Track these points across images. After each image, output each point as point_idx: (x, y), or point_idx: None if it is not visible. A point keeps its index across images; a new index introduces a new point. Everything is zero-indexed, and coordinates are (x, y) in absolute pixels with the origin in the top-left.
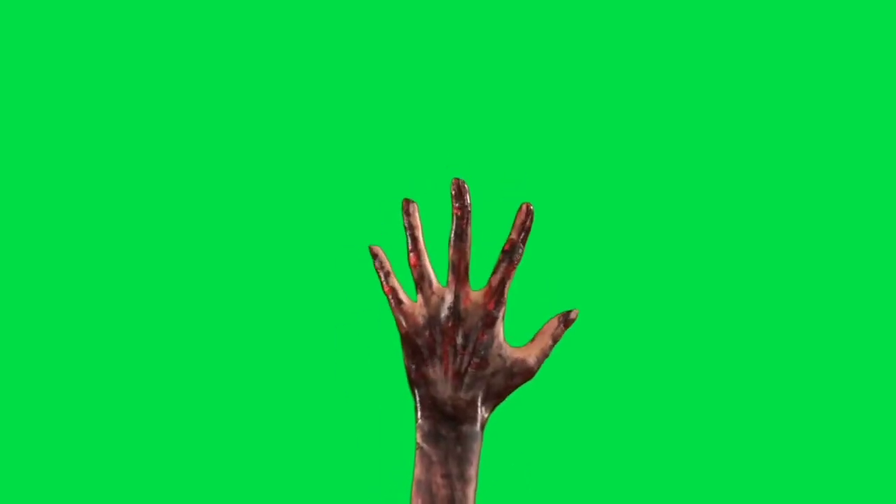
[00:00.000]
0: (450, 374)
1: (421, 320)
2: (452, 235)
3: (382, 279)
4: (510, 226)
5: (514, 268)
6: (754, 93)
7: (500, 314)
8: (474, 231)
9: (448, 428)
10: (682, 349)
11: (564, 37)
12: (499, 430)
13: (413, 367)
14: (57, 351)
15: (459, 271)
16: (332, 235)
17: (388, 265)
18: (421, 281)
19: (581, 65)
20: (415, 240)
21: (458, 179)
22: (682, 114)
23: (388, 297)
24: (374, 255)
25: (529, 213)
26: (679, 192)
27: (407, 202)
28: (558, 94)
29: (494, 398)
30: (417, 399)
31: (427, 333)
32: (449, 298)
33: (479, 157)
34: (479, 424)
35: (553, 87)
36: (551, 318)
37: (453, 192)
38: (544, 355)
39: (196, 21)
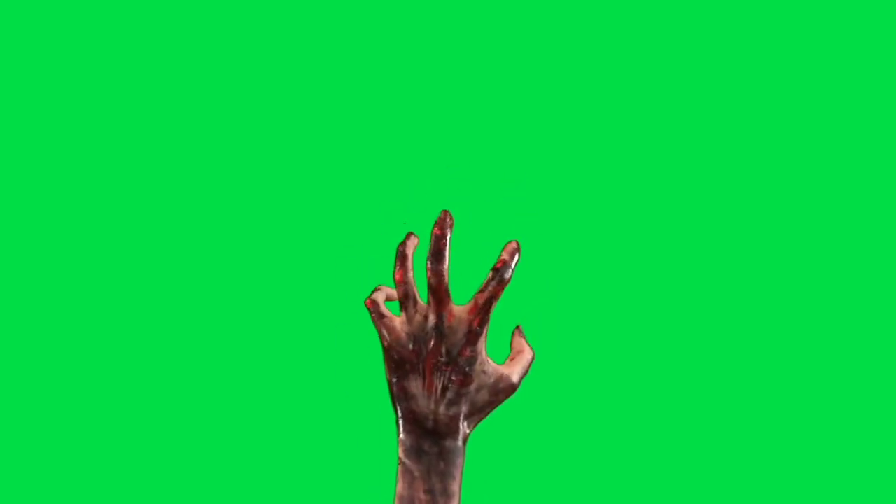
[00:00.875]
0: (432, 389)
1: (404, 336)
2: (430, 256)
3: (372, 293)
4: (498, 242)
5: (503, 287)
6: (740, 110)
7: (484, 331)
8: (464, 243)
9: (430, 443)
10: (664, 365)
11: (556, 52)
12: (480, 445)
13: (395, 381)
14: (46, 349)
15: (439, 294)
16: (317, 247)
17: (384, 286)
18: (405, 300)
19: (572, 85)
20: (404, 257)
21: (446, 211)
22: (669, 135)
23: (369, 311)
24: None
25: (518, 248)
26: (666, 211)
27: (409, 235)
28: (553, 109)
29: (478, 413)
30: (399, 414)
31: (410, 349)
32: (432, 319)
33: (473, 167)
34: (461, 440)
35: (548, 103)
36: (515, 337)
37: (439, 218)
38: (525, 371)
39: (206, 35)
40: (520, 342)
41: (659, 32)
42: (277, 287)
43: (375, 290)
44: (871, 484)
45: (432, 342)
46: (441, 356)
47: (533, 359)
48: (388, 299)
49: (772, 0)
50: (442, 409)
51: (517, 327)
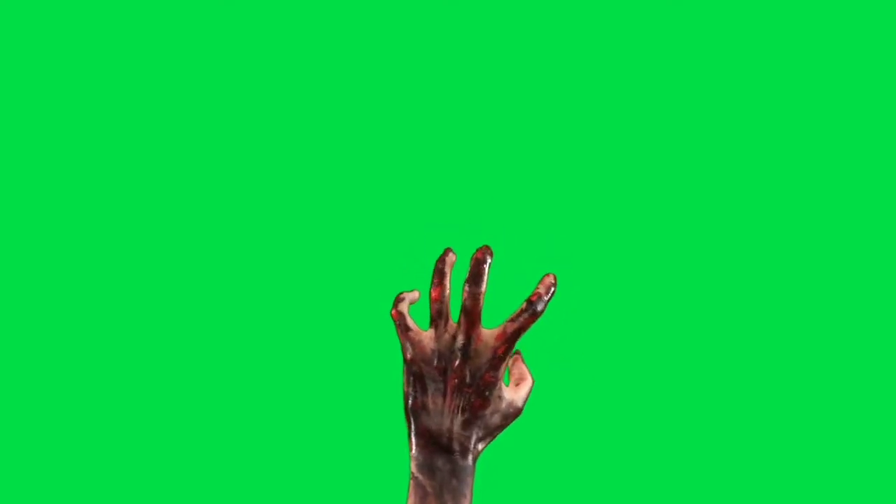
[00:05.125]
0: (451, 408)
1: (429, 351)
2: (469, 278)
3: (396, 303)
4: (531, 271)
5: (535, 320)
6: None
7: (507, 358)
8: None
9: (444, 460)
10: (670, 382)
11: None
12: (490, 463)
13: (412, 394)
14: (60, 351)
15: (472, 316)
16: (339, 255)
17: (404, 294)
18: (438, 317)
19: (586, 93)
20: (442, 275)
21: (487, 246)
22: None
23: (395, 322)
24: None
25: (555, 282)
26: (680, 221)
27: (447, 251)
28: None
29: (489, 436)
30: (413, 428)
31: (434, 365)
32: (461, 339)
33: (494, 181)
34: (472, 458)
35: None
36: (516, 363)
37: (481, 247)
38: (528, 396)
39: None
40: (520, 368)
41: (665, 34)
42: (293, 296)
43: (398, 299)
44: (872, 484)
45: (457, 362)
46: (464, 377)
47: (532, 385)
48: (411, 302)
49: (772, 0)
50: (457, 428)
51: (517, 353)
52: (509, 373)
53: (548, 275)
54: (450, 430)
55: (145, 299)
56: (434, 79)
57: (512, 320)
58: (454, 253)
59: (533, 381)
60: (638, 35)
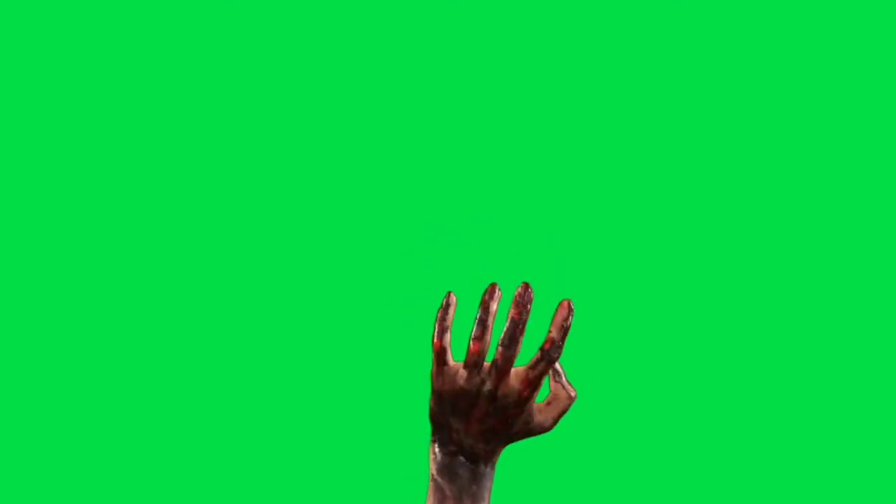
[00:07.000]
0: (474, 432)
1: (458, 388)
2: (505, 338)
3: (436, 333)
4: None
5: (552, 365)
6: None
7: (534, 397)
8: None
9: (464, 466)
10: (678, 384)
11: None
12: (506, 466)
13: (438, 411)
14: (68, 352)
15: (503, 372)
16: (353, 254)
17: (450, 321)
18: (473, 367)
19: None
20: (484, 327)
21: (526, 283)
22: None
23: (434, 354)
24: (447, 305)
25: (571, 311)
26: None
27: (493, 287)
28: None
29: (510, 442)
30: (437, 435)
31: (460, 400)
32: (489, 385)
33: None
34: (491, 465)
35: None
36: (551, 381)
37: (517, 294)
38: (561, 415)
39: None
40: (556, 387)
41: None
42: (310, 296)
43: (442, 328)
44: (872, 484)
45: (484, 402)
46: (489, 413)
47: (572, 402)
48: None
49: (772, 0)
50: (481, 444)
51: (553, 369)
52: (549, 386)
53: (561, 306)
54: (472, 445)
55: (158, 304)
56: (442, 81)
57: (532, 367)
58: (500, 290)
59: (572, 399)
60: (636, 35)
